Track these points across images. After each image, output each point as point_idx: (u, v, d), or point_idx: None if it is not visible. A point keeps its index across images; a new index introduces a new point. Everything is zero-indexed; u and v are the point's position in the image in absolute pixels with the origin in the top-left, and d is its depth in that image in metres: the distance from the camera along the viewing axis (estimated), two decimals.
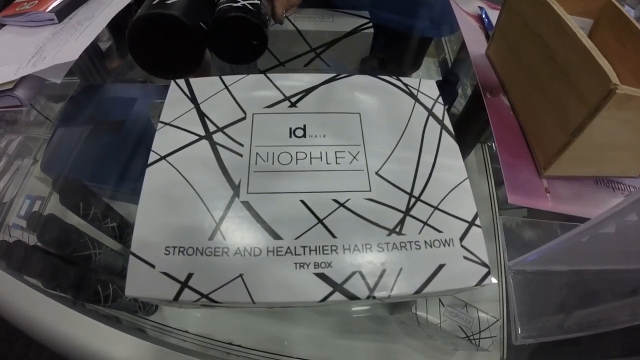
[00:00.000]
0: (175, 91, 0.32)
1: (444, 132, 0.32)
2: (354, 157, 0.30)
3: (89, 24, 0.49)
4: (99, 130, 0.52)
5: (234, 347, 0.38)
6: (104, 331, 0.32)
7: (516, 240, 0.38)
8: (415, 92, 0.34)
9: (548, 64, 0.37)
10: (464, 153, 0.35)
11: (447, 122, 0.32)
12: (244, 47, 0.38)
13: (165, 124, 0.30)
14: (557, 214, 0.37)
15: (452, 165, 0.30)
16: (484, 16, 0.55)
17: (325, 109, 0.32)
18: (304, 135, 0.30)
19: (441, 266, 0.25)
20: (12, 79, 0.44)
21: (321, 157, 0.29)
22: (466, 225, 0.27)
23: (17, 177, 0.72)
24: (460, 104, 0.60)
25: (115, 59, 0.67)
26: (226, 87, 0.32)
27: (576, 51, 0.32)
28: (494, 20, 0.53)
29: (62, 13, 0.52)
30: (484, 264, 0.26)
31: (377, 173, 0.29)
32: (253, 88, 0.33)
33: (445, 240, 0.26)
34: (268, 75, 0.33)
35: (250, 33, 0.37)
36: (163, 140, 0.29)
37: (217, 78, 0.33)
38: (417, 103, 0.33)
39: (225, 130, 0.30)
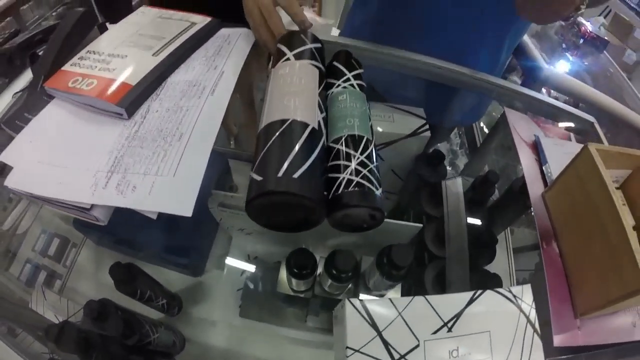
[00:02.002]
0: (354, 315, 0.35)
1: (535, 335, 0.39)
2: None
3: (187, 140, 0.42)
4: None
5: None
6: None
7: None
8: (519, 302, 0.40)
9: (600, 231, 0.43)
10: None
11: (537, 325, 0.40)
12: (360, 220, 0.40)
13: (355, 350, 0.34)
14: None
15: None
16: (538, 147, 0.59)
17: (472, 331, 0.37)
18: (457, 356, 0.36)
19: None
20: (89, 202, 0.38)
21: None
22: None
23: (33, 207, 0.67)
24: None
25: None
26: (399, 313, 0.36)
27: (622, 240, 0.39)
28: (547, 152, 0.58)
29: (133, 108, 0.47)
30: None
31: None
32: (419, 314, 0.36)
33: None
34: (428, 299, 0.37)
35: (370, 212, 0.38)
36: None
37: (389, 302, 0.36)
38: (521, 313, 0.40)
39: (406, 357, 0.34)
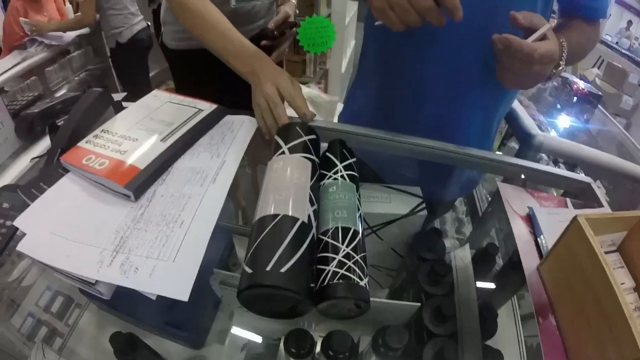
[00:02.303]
0: None
1: None
2: None
3: (187, 227, 0.45)
4: None
5: None
6: None
7: None
8: None
9: (594, 301, 0.43)
10: None
11: None
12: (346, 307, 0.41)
13: None
14: None
15: None
16: (533, 219, 0.61)
17: None
18: None
19: None
20: (94, 278, 0.41)
21: None
22: None
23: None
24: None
25: None
26: None
27: (616, 312, 0.39)
28: (541, 223, 0.59)
29: (140, 191, 0.50)
30: None
31: None
32: None
33: None
34: None
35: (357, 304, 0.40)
36: None
37: None
38: None
39: None
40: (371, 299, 0.43)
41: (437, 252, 0.61)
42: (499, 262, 0.69)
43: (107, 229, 0.46)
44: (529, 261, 0.56)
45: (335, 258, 0.40)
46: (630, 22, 6.84)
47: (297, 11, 1.16)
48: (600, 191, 1.55)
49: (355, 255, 0.41)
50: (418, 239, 0.63)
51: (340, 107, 1.67)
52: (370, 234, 0.62)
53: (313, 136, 0.53)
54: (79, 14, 2.37)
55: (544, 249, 0.57)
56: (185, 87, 1.17)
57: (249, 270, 0.37)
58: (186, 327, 0.62)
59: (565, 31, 0.66)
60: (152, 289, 0.40)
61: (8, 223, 0.51)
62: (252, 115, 0.64)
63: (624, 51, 5.82)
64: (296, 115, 0.61)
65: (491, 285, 0.65)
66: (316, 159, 0.51)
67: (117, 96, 0.80)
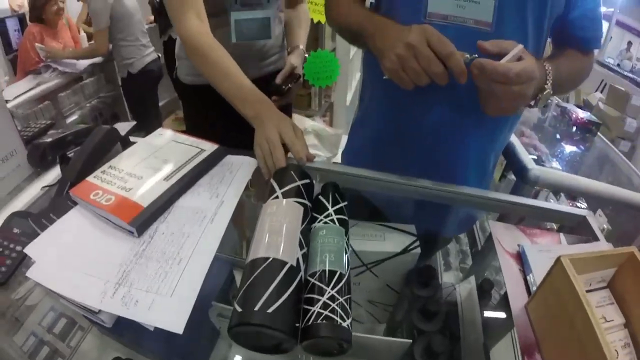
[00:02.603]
0: None
1: None
2: None
3: (185, 265, 0.48)
4: None
5: None
6: None
7: None
8: None
9: (578, 344, 0.44)
10: None
11: None
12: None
13: None
14: None
15: None
16: (523, 257, 0.62)
17: None
18: None
19: None
20: (97, 308, 0.44)
21: None
22: None
23: None
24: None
25: None
26: None
27: (598, 353, 0.39)
28: (532, 261, 0.60)
29: (142, 228, 0.53)
30: None
31: None
32: None
33: None
34: None
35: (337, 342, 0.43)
36: None
37: None
38: None
39: None
40: (362, 335, 0.46)
41: (430, 289, 0.63)
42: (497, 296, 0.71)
43: (111, 262, 0.50)
44: (518, 300, 0.57)
45: (320, 299, 0.43)
46: (630, 43, 6.86)
47: (306, 54, 1.20)
48: (602, 219, 1.56)
49: (339, 297, 0.44)
50: (411, 276, 0.65)
51: (344, 139, 1.71)
52: (366, 271, 0.65)
53: (307, 180, 0.57)
54: (92, 42, 2.46)
55: (532, 287, 0.58)
56: (194, 119, 1.21)
57: (238, 309, 0.40)
58: (185, 355, 0.65)
59: (556, 59, 0.67)
60: (150, 321, 0.43)
61: (18, 248, 0.55)
62: (252, 155, 0.67)
63: (626, 73, 5.82)
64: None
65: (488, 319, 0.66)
66: (308, 203, 0.54)
67: (127, 125, 0.84)
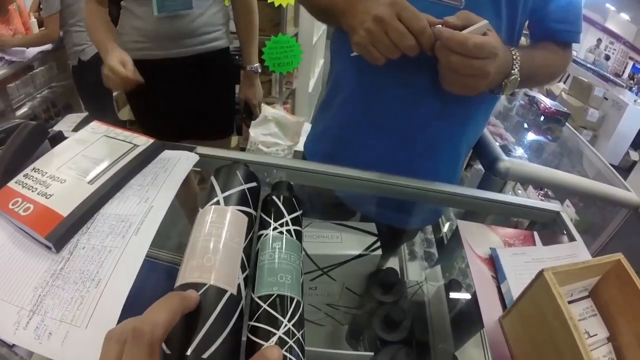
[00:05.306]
0: None
1: None
2: None
3: (103, 288, 0.40)
4: None
5: None
6: None
7: None
8: None
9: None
10: None
11: None
12: None
13: None
14: None
15: None
16: (495, 262, 0.56)
17: None
18: None
19: None
20: (11, 341, 0.39)
21: None
22: None
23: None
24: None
25: None
26: None
27: None
28: (505, 267, 0.55)
29: (61, 242, 0.45)
30: None
31: None
32: None
33: None
34: None
35: None
36: None
37: None
38: None
39: None
40: (323, 350, 0.40)
41: (394, 294, 0.57)
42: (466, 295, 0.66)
43: (26, 284, 0.42)
44: (490, 311, 0.52)
45: (275, 334, 0.35)
46: (599, 40, 7.19)
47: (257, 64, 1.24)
48: (570, 210, 1.55)
49: (297, 332, 0.36)
50: (373, 278, 0.59)
51: (307, 126, 1.64)
52: (322, 275, 0.58)
53: (254, 184, 0.47)
54: (43, 29, 2.29)
55: (507, 298, 0.53)
56: (134, 100, 1.24)
57: (166, 351, 0.31)
58: None
59: (533, 50, 0.65)
60: (63, 359, 0.36)
61: None
62: (189, 144, 0.60)
63: (589, 65, 6.06)
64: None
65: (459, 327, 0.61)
66: (254, 212, 0.45)
67: (80, 115, 0.75)
